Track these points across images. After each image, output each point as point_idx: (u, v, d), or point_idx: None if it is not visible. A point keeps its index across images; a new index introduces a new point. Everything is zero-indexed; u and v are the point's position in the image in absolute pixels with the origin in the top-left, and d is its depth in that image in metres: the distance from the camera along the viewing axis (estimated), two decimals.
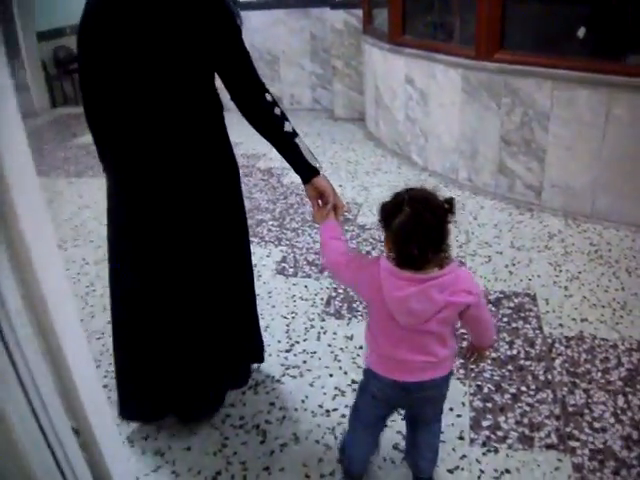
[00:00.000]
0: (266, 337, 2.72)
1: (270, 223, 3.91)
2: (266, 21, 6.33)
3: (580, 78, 3.47)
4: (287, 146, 1.81)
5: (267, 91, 1.81)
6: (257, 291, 3.05)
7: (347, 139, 5.63)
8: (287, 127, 1.80)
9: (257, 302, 2.37)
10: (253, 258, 2.21)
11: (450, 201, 1.48)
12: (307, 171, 1.80)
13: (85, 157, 5.41)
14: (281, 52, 6.45)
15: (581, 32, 3.53)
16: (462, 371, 2.48)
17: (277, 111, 1.80)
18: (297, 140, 1.81)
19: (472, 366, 2.46)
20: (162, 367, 2.03)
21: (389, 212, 1.49)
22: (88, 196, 4.50)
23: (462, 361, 2.52)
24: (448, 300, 1.49)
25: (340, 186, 4.44)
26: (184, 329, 2.01)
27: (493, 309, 2.88)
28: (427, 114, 4.54)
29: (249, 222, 2.08)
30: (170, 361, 2.03)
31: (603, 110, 3.45)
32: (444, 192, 1.58)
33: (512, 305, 2.92)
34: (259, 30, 6.41)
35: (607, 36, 3.52)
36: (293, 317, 2.88)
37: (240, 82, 1.82)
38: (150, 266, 1.93)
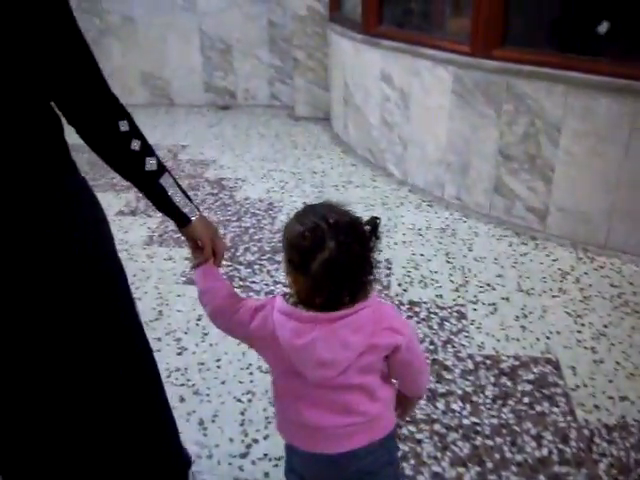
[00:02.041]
0: (213, 432, 2.02)
1: None
2: (218, 4, 5.54)
3: (600, 83, 2.85)
4: (150, 190, 1.37)
5: (123, 115, 1.28)
6: (201, 357, 2.39)
7: (311, 143, 4.91)
8: (149, 165, 1.33)
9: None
10: None
11: (373, 223, 1.20)
12: (178, 218, 1.40)
13: None
14: (235, 40, 5.68)
15: (603, 27, 2.91)
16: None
17: (135, 145, 1.29)
18: (163, 181, 1.36)
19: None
20: None
21: (307, 252, 1.12)
22: None
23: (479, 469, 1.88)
24: (369, 342, 1.18)
25: (304, 204, 3.74)
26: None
27: (509, 384, 2.24)
28: (408, 118, 3.86)
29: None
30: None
31: (626, 123, 2.84)
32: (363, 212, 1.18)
33: (532, 377, 2.28)
34: (210, 14, 5.62)
35: (636, 33, 2.90)
36: (249, 400, 2.17)
37: (78, 96, 1.22)
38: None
